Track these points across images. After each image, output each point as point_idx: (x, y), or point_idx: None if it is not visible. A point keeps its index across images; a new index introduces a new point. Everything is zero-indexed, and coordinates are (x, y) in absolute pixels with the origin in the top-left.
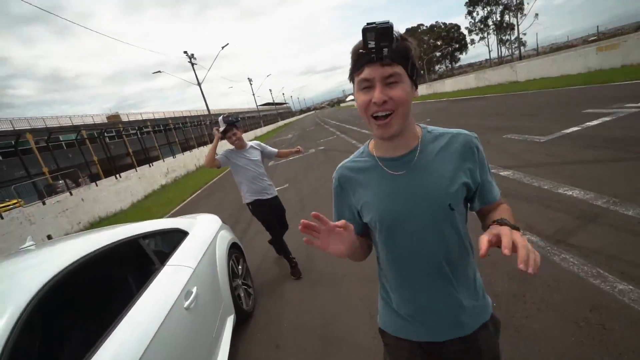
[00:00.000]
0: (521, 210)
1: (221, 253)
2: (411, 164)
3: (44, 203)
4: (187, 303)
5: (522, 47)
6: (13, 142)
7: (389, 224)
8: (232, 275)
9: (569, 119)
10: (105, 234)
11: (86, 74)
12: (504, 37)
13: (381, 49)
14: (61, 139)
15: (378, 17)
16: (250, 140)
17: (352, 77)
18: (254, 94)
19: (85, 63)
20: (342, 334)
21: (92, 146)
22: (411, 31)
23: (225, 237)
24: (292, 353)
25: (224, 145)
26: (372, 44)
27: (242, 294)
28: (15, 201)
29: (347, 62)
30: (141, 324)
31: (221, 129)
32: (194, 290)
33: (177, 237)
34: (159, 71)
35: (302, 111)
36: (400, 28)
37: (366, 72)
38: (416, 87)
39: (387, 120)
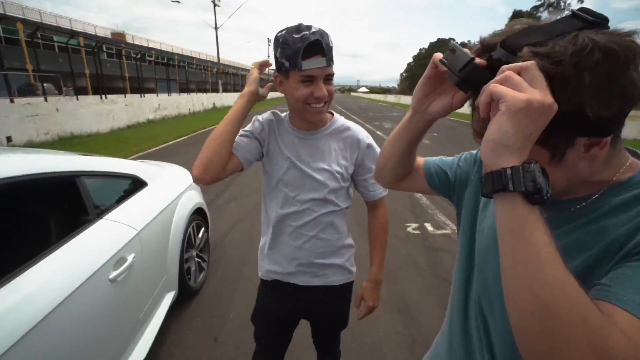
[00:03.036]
0: None
1: (180, 217)
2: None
3: (12, 101)
4: (114, 274)
5: None
6: None
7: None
8: (188, 244)
9: None
10: (36, 159)
11: None
12: None
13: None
14: (54, 40)
15: (415, 20)
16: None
17: None
18: (269, 56)
19: None
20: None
21: (87, 58)
22: (441, 42)
23: (191, 199)
24: (229, 353)
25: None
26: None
27: (193, 268)
28: None
29: (368, 53)
30: (40, 292)
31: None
32: (130, 257)
33: (131, 186)
34: (177, 1)
35: None
36: (432, 37)
37: None
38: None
39: None
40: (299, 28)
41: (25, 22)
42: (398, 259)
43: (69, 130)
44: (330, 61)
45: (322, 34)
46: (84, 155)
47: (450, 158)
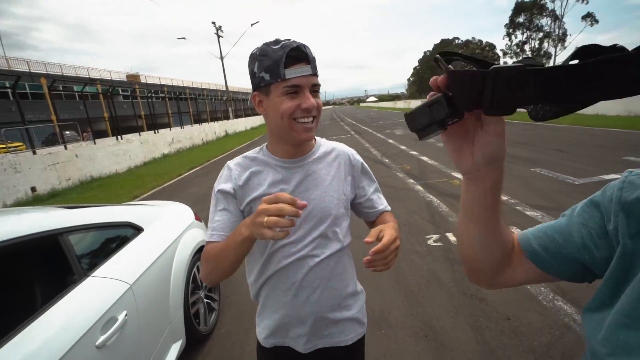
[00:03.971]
0: None
1: (181, 260)
2: None
3: (34, 152)
4: (102, 339)
5: None
6: (7, 84)
7: None
8: (194, 286)
9: (607, 164)
10: (15, 221)
11: (112, 30)
12: None
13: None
14: (75, 90)
15: (416, 24)
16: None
17: None
18: None
19: (112, 18)
20: None
21: (106, 102)
22: (445, 43)
23: (194, 238)
24: None
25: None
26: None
27: (202, 311)
28: (19, 144)
29: (372, 63)
30: None
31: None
32: (122, 316)
33: (124, 234)
34: (184, 38)
35: None
36: (435, 38)
37: None
38: None
39: None
40: (277, 40)
41: (47, 76)
42: (419, 276)
43: (88, 174)
44: (315, 70)
45: (303, 45)
46: (71, 208)
47: (559, 221)
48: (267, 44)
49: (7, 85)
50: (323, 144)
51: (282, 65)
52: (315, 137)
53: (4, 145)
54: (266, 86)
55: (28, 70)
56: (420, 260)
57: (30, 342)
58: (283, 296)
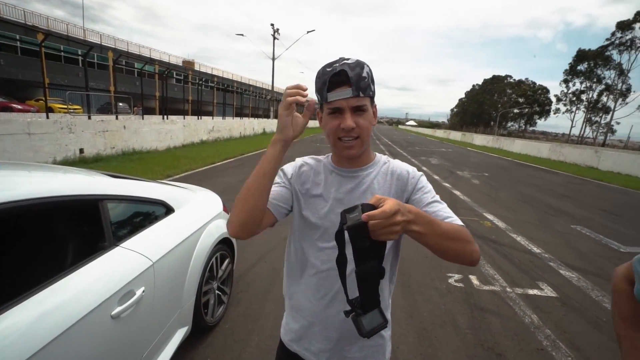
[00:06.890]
0: (584, 336)
1: (204, 247)
2: None
3: (89, 117)
4: (118, 309)
5: (609, 134)
6: (80, 52)
7: None
8: (209, 276)
9: None
10: (63, 180)
11: (178, 16)
12: (593, 117)
13: None
14: (135, 66)
15: (469, 55)
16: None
17: None
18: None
19: (180, 5)
20: None
21: (160, 82)
22: (495, 79)
23: (219, 228)
24: None
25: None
26: None
27: (211, 301)
28: (78, 107)
29: (417, 87)
30: (36, 325)
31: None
32: (139, 291)
33: (156, 212)
34: (242, 34)
35: None
36: (486, 73)
37: None
38: None
39: None
40: (335, 61)
41: (114, 51)
42: (435, 315)
43: (131, 146)
44: (358, 91)
45: (353, 65)
46: (113, 177)
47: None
48: (324, 66)
49: (80, 53)
50: (382, 160)
51: (326, 89)
52: (376, 153)
53: (65, 106)
54: (320, 105)
55: (99, 43)
56: (439, 299)
57: (55, 297)
58: (315, 304)
